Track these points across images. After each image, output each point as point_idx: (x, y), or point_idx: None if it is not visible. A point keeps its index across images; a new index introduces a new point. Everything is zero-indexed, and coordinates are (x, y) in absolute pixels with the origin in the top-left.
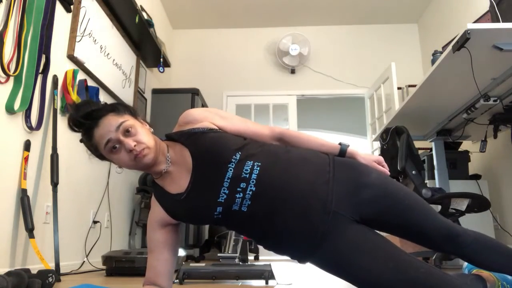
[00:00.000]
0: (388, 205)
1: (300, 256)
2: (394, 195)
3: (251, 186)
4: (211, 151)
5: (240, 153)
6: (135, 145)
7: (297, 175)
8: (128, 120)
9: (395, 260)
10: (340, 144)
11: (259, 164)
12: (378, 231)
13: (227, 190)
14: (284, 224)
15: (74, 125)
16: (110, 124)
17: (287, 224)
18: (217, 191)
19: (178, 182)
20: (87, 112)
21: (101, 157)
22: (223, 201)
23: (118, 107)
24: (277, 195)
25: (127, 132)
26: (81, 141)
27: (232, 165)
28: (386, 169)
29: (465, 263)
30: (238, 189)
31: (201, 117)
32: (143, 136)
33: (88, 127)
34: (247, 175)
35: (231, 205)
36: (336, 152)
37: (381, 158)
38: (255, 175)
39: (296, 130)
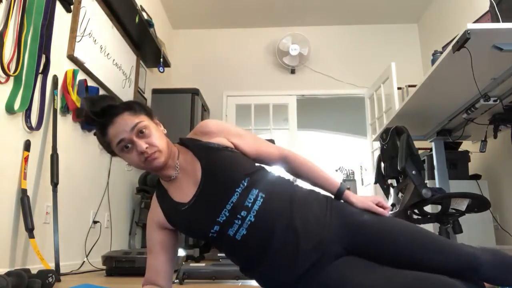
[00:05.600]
0: (381, 244)
1: None
2: (389, 233)
3: (250, 217)
4: (222, 170)
5: (248, 178)
6: (147, 147)
7: (296, 215)
8: (144, 121)
9: (382, 271)
10: (340, 184)
11: (263, 196)
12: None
13: (228, 213)
14: (274, 259)
15: (88, 120)
16: (125, 124)
17: (277, 260)
18: (218, 211)
19: (183, 191)
20: (103, 108)
21: (113, 153)
22: (221, 221)
23: (135, 106)
24: (273, 230)
25: (141, 133)
26: (94, 134)
27: (239, 189)
28: (385, 207)
29: None
30: (238, 216)
31: (218, 130)
32: (156, 138)
33: (103, 124)
34: (250, 204)
35: (228, 229)
36: (334, 191)
37: (380, 199)
38: (257, 206)
39: (303, 157)
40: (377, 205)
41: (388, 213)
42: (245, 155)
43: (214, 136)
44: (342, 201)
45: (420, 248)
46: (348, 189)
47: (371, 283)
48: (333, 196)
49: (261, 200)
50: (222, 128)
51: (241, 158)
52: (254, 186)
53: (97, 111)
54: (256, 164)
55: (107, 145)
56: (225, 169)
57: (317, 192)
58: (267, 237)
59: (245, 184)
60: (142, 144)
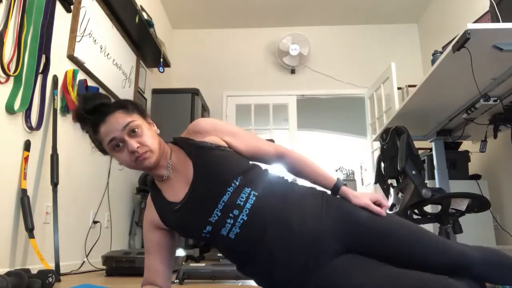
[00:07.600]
0: (378, 242)
1: None
2: (385, 231)
3: (243, 215)
4: (214, 170)
5: (241, 177)
6: (138, 147)
7: (291, 212)
8: (136, 120)
9: (384, 271)
10: (337, 179)
11: (256, 194)
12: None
13: (220, 212)
14: (270, 256)
15: (79, 118)
16: (117, 122)
17: (273, 257)
18: (210, 211)
19: (176, 191)
20: (95, 106)
21: (104, 152)
22: (213, 221)
23: (128, 105)
24: (266, 227)
25: (132, 132)
26: (86, 132)
27: (231, 189)
28: (383, 206)
29: None
30: (230, 214)
31: (210, 129)
32: (148, 138)
33: (95, 122)
34: (242, 203)
35: (220, 228)
36: (330, 186)
37: (378, 197)
38: (250, 205)
39: (300, 154)
40: (374, 203)
41: (385, 211)
42: (239, 154)
43: (207, 135)
44: (338, 196)
45: (417, 248)
46: (345, 185)
47: (373, 284)
48: (329, 192)
49: (254, 198)
50: (215, 127)
51: (234, 156)
52: (246, 185)
53: (89, 109)
54: (251, 162)
55: (98, 143)
56: (217, 168)
57: (314, 188)
58: (261, 234)
59: (237, 183)
60: (133, 143)
